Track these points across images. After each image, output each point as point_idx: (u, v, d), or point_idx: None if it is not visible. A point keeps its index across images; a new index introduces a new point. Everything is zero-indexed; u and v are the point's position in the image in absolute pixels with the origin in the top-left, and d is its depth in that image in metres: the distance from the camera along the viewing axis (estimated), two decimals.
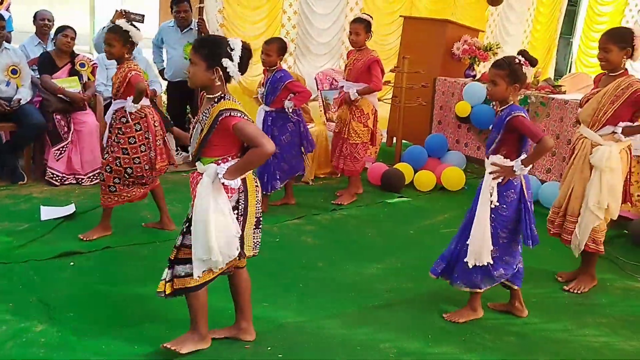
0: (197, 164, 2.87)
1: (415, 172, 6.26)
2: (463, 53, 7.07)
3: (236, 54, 2.73)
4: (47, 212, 4.62)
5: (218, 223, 2.71)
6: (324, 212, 5.27)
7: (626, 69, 3.83)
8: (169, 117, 6.20)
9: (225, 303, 3.21)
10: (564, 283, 4.12)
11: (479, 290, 3.50)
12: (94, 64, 5.88)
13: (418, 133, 7.14)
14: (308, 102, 6.28)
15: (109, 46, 4.19)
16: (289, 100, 4.98)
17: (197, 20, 6.32)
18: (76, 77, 5.66)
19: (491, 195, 3.33)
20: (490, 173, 3.35)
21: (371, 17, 5.44)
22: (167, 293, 2.88)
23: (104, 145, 4.48)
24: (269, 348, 3.08)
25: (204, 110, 2.81)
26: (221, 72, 2.74)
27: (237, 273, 3.06)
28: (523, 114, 3.28)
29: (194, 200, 2.80)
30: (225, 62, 2.72)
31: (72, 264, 3.87)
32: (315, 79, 7.03)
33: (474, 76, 7.08)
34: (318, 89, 6.89)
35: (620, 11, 11.69)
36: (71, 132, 5.49)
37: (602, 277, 4.25)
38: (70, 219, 4.61)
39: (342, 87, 5.55)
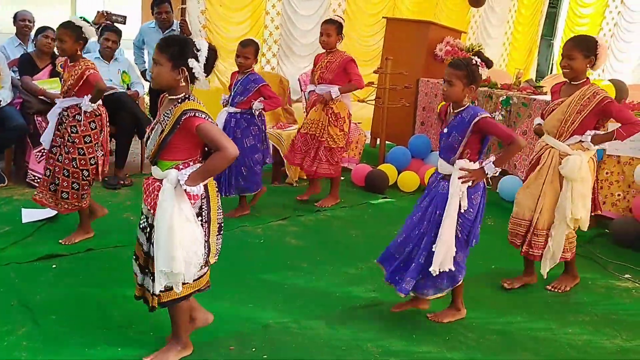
0: (153, 168, 2.77)
1: (399, 173, 6.28)
2: (446, 54, 7.11)
3: (202, 55, 2.68)
4: (29, 215, 4.58)
5: (184, 232, 2.63)
6: (307, 214, 5.27)
7: (588, 78, 3.82)
8: (151, 119, 6.18)
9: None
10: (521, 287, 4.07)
11: (440, 295, 3.44)
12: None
13: (401, 134, 7.17)
14: (281, 107, 6.29)
15: (60, 42, 4.02)
16: (259, 102, 4.89)
17: (179, 22, 6.29)
18: (57, 79, 5.57)
19: (461, 201, 3.26)
20: (459, 178, 3.25)
21: (343, 19, 5.39)
22: (153, 305, 2.82)
23: (48, 147, 4.25)
24: (254, 349, 3.07)
25: (166, 110, 2.72)
26: (187, 73, 2.68)
27: None
28: (489, 115, 3.25)
29: (150, 208, 2.71)
30: (192, 62, 2.66)
31: (54, 266, 3.83)
32: (299, 80, 7.03)
33: None
34: (302, 90, 6.89)
35: (600, 13, 11.82)
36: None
37: (584, 276, 4.29)
38: (52, 221, 4.57)
39: (312, 91, 5.44)
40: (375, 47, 8.40)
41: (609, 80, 6.27)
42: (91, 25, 4.18)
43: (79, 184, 4.13)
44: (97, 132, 4.16)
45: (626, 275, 4.42)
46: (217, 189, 2.85)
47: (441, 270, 3.29)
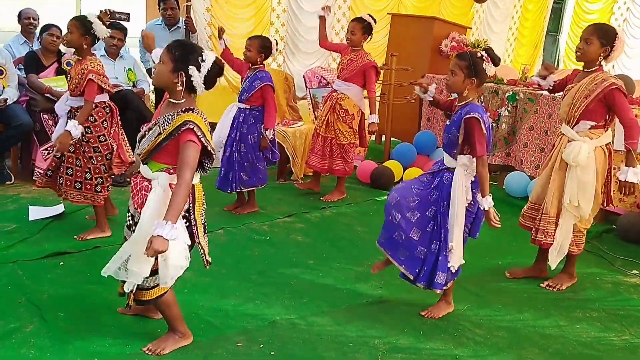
0: (142, 167, 2.79)
1: (405, 169, 6.28)
2: (451, 50, 7.10)
3: (205, 67, 2.66)
4: (36, 212, 4.58)
5: (172, 245, 2.59)
6: (313, 210, 5.27)
7: (601, 66, 3.80)
8: None
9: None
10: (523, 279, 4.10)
11: (446, 288, 3.47)
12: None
13: (407, 130, 7.17)
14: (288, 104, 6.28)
15: (68, 32, 4.03)
16: (269, 132, 4.87)
17: (184, 19, 6.29)
18: (63, 76, 5.60)
19: (467, 194, 3.28)
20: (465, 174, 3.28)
21: (374, 19, 5.36)
22: (130, 305, 2.88)
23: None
24: (261, 346, 3.06)
25: (167, 114, 2.71)
26: (184, 79, 2.66)
27: None
28: (480, 117, 3.19)
29: (137, 207, 2.73)
30: (192, 70, 2.64)
31: (61, 264, 3.84)
32: (304, 77, 7.02)
33: None
34: (307, 87, 6.88)
35: (608, 9, 11.74)
36: None
37: (591, 272, 4.29)
38: (59, 219, 4.58)
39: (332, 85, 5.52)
40: (380, 44, 8.38)
41: (617, 75, 6.24)
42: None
43: (95, 177, 4.17)
44: (109, 129, 4.20)
45: (634, 271, 4.41)
46: (203, 193, 2.86)
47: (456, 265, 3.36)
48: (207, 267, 2.90)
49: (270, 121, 4.89)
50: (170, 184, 2.68)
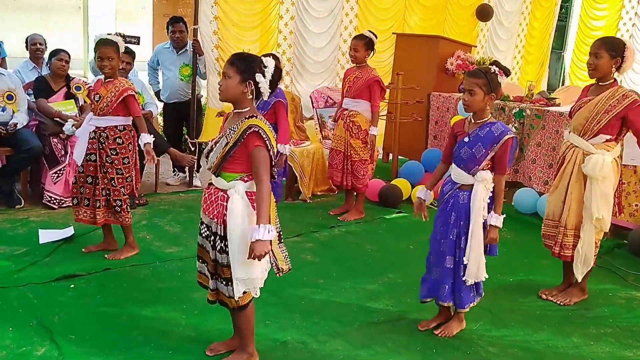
0: (216, 179, 2.85)
1: (413, 187, 6.26)
2: (457, 68, 7.12)
3: (269, 72, 2.78)
4: (46, 235, 4.60)
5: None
6: (322, 229, 5.26)
7: (615, 80, 3.83)
8: (165, 138, 6.21)
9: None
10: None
11: (472, 305, 3.48)
12: (90, 86, 5.88)
13: (414, 148, 7.17)
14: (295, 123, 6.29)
15: (110, 60, 4.07)
16: (281, 145, 4.95)
17: (192, 42, 6.35)
18: (72, 101, 5.67)
19: (484, 210, 3.29)
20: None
21: (375, 35, 5.42)
22: (234, 307, 2.92)
23: (80, 162, 4.29)
24: None
25: (232, 124, 2.79)
26: (253, 87, 2.76)
27: None
28: (516, 137, 3.25)
29: (212, 217, 2.81)
30: (259, 77, 2.75)
31: (72, 286, 3.84)
32: (311, 97, 7.06)
33: None
34: (313, 107, 6.91)
35: (613, 25, 11.76)
36: (68, 155, 5.47)
37: (604, 288, 4.25)
38: (69, 242, 4.58)
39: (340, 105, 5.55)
40: (386, 63, 8.42)
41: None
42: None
43: (116, 199, 4.23)
44: (133, 152, 4.27)
45: None
46: (275, 201, 2.91)
47: (476, 281, 3.36)
48: (279, 274, 2.92)
49: (284, 136, 4.92)
50: (246, 192, 2.76)
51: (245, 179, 2.78)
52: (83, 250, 4.40)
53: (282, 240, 3.00)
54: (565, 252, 3.91)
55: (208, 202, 2.86)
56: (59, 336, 3.20)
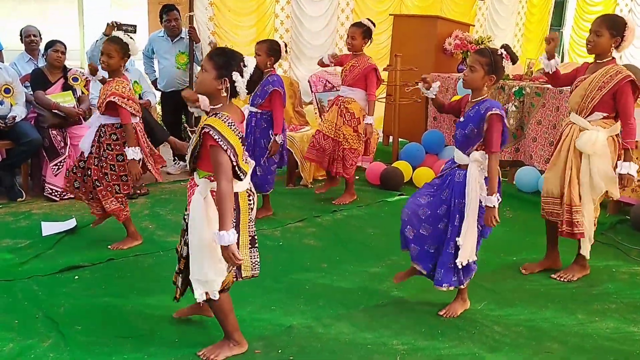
0: (194, 174, 2.85)
1: (414, 169, 6.26)
2: (455, 48, 7.08)
3: (247, 71, 2.71)
4: (48, 228, 4.60)
5: (211, 241, 2.67)
6: (324, 214, 5.26)
7: (614, 58, 3.82)
8: (164, 127, 6.20)
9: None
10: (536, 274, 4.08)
11: (462, 287, 3.47)
12: (87, 77, 5.85)
13: (414, 130, 7.14)
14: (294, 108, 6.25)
15: (108, 57, 4.10)
16: (279, 136, 4.90)
17: (187, 29, 6.30)
18: (70, 92, 5.64)
19: (480, 189, 3.27)
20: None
21: (373, 23, 5.38)
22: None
23: (87, 152, 4.31)
24: (279, 351, 3.06)
25: (203, 121, 2.76)
26: (228, 84, 2.71)
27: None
28: (502, 114, 3.20)
29: (189, 207, 2.81)
30: (235, 75, 2.69)
31: (76, 277, 3.85)
32: (309, 81, 7.03)
33: None
34: (312, 91, 6.88)
35: (612, 0, 11.67)
36: (68, 147, 5.47)
37: (607, 264, 4.26)
38: (72, 233, 4.59)
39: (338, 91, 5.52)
40: (384, 45, 8.37)
41: (624, 65, 6.21)
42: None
43: (109, 194, 4.24)
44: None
45: None
46: (250, 203, 2.88)
47: (467, 262, 3.34)
48: (239, 279, 2.92)
49: (278, 127, 4.90)
50: (211, 191, 2.72)
51: (212, 178, 2.73)
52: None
53: (256, 245, 2.96)
54: (580, 229, 3.85)
55: (188, 194, 2.85)
56: (65, 327, 3.21)
